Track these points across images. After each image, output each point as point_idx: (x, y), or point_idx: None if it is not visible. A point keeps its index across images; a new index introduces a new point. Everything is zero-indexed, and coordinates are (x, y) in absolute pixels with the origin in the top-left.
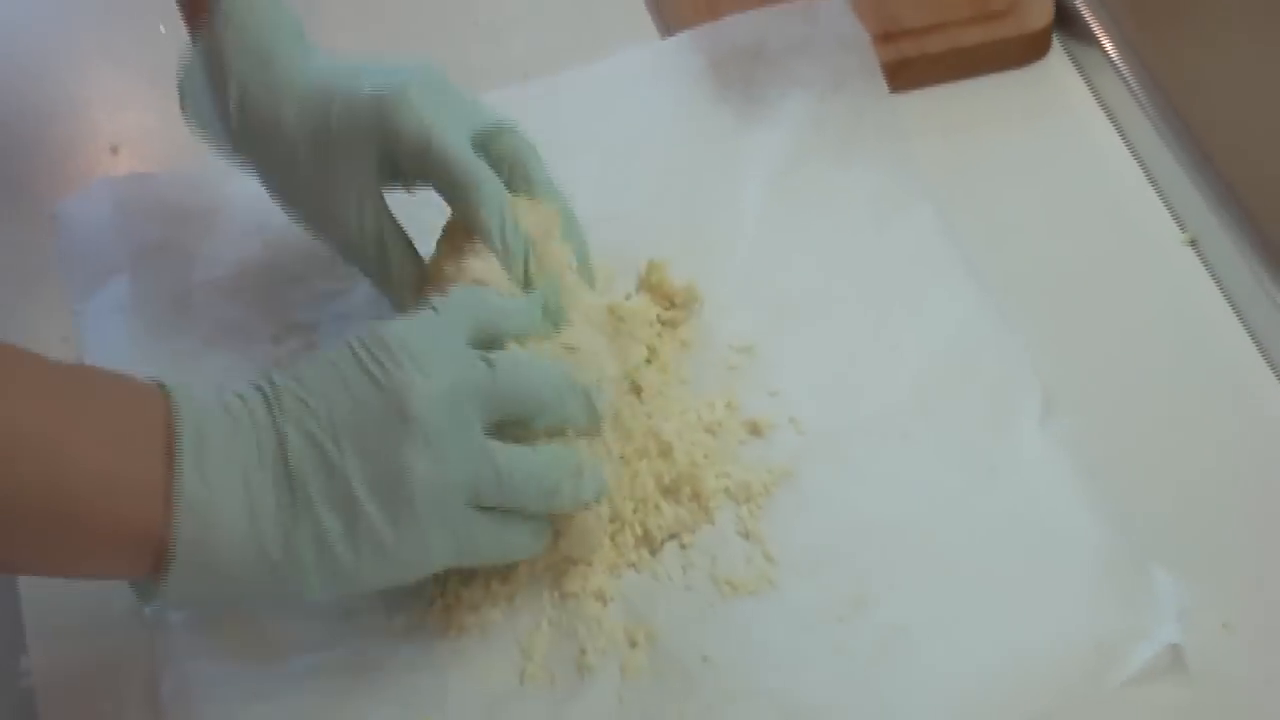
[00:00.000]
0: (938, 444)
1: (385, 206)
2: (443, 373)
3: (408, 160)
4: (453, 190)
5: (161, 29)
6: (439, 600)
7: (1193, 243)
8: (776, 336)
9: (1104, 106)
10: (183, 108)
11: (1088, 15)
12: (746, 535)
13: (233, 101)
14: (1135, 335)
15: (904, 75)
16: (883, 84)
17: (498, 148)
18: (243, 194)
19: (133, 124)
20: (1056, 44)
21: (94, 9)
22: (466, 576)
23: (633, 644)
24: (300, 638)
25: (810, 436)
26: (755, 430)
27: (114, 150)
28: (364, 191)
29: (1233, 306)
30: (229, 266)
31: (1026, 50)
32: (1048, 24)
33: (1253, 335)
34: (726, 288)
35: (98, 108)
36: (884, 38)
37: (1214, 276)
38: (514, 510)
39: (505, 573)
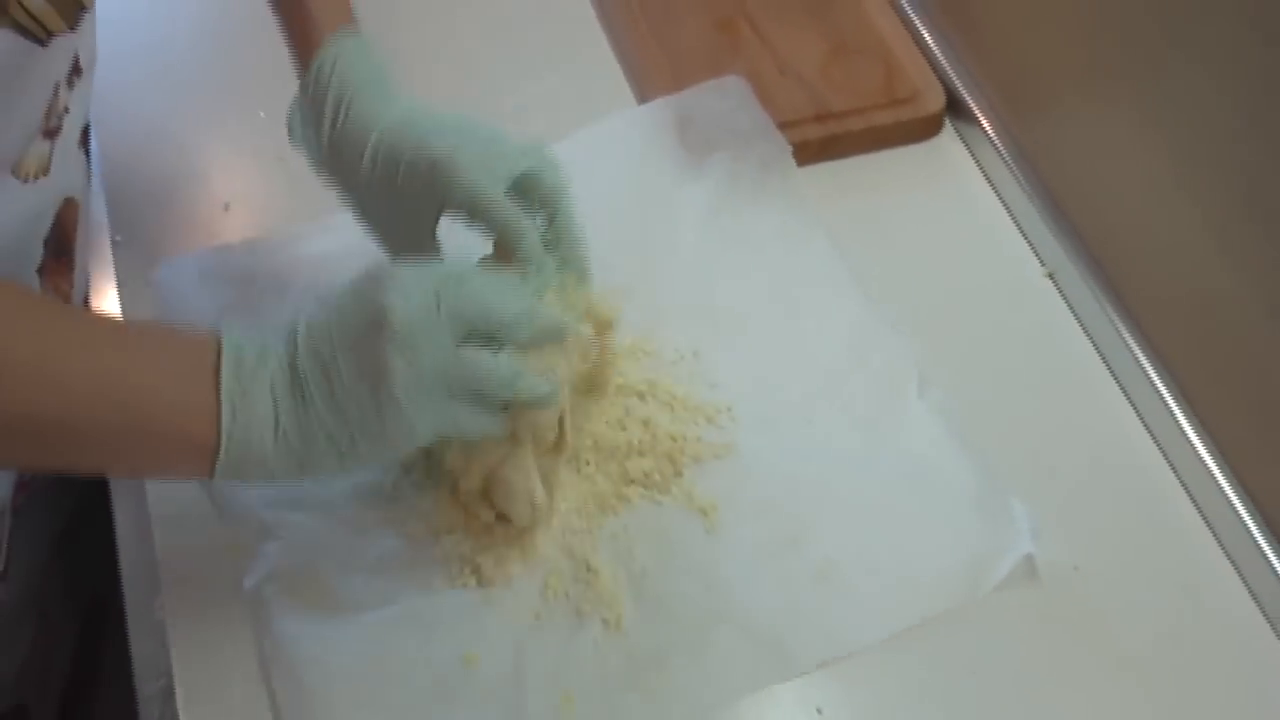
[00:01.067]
0: (844, 418)
1: (437, 243)
2: (418, 292)
3: (461, 213)
4: (500, 238)
5: (261, 114)
6: (469, 562)
7: (1051, 276)
8: (714, 342)
9: (983, 172)
10: (290, 136)
11: (972, 103)
12: (701, 491)
13: (323, 139)
14: (1005, 345)
15: (832, 148)
16: (783, 141)
17: (537, 190)
18: (306, 260)
19: (240, 187)
20: (948, 124)
21: (210, 96)
22: (495, 539)
23: (619, 582)
24: (366, 598)
25: (744, 418)
26: (700, 413)
27: (226, 207)
28: (421, 232)
29: (1080, 324)
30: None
31: (924, 129)
32: (941, 109)
33: (1095, 344)
34: (675, 307)
35: (214, 174)
36: (816, 118)
37: (1067, 301)
38: (481, 400)
39: (521, 541)
